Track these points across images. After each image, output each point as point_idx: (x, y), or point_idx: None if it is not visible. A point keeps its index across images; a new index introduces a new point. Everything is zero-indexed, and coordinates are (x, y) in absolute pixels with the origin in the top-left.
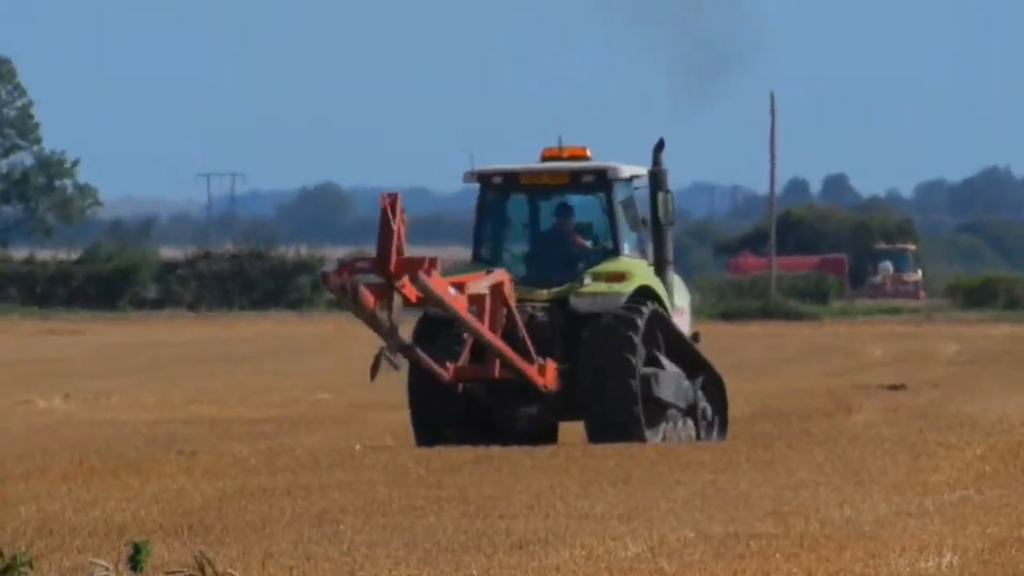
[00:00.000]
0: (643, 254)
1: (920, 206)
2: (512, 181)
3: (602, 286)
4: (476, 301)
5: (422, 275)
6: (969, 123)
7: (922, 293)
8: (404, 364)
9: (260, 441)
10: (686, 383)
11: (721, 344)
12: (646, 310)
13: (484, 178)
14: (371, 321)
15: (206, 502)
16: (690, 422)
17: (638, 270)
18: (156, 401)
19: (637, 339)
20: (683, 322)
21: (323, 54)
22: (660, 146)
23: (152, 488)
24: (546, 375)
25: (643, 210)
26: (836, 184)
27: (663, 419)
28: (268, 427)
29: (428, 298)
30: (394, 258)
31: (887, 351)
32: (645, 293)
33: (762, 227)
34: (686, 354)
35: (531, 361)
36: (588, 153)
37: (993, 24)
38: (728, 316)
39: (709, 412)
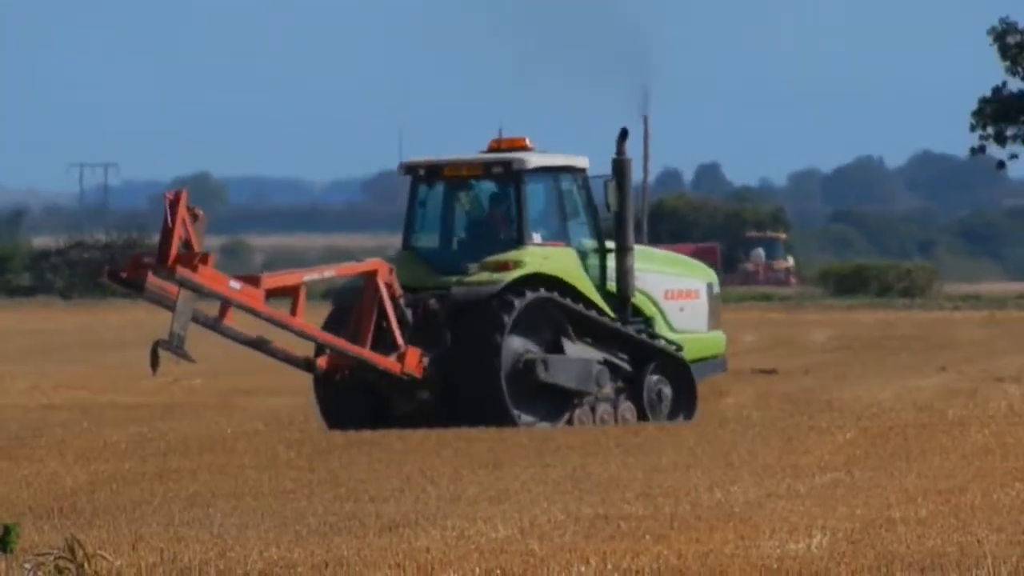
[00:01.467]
0: (590, 241)
1: (793, 195)
2: (436, 173)
3: (483, 275)
4: (289, 292)
5: (181, 271)
6: (842, 113)
7: (792, 280)
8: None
9: (131, 426)
10: (598, 367)
11: None
12: (524, 298)
13: (412, 170)
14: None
15: (77, 486)
16: (628, 404)
17: (534, 258)
18: (28, 387)
19: (504, 325)
20: (692, 306)
21: (195, 43)
22: (623, 135)
23: (23, 471)
24: (406, 362)
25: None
26: (709, 173)
27: (568, 404)
28: (140, 413)
29: (203, 293)
30: (173, 253)
31: (759, 337)
32: (542, 281)
33: (636, 216)
34: (618, 340)
35: (396, 349)
36: (528, 143)
37: (866, 13)
38: None
39: (666, 394)
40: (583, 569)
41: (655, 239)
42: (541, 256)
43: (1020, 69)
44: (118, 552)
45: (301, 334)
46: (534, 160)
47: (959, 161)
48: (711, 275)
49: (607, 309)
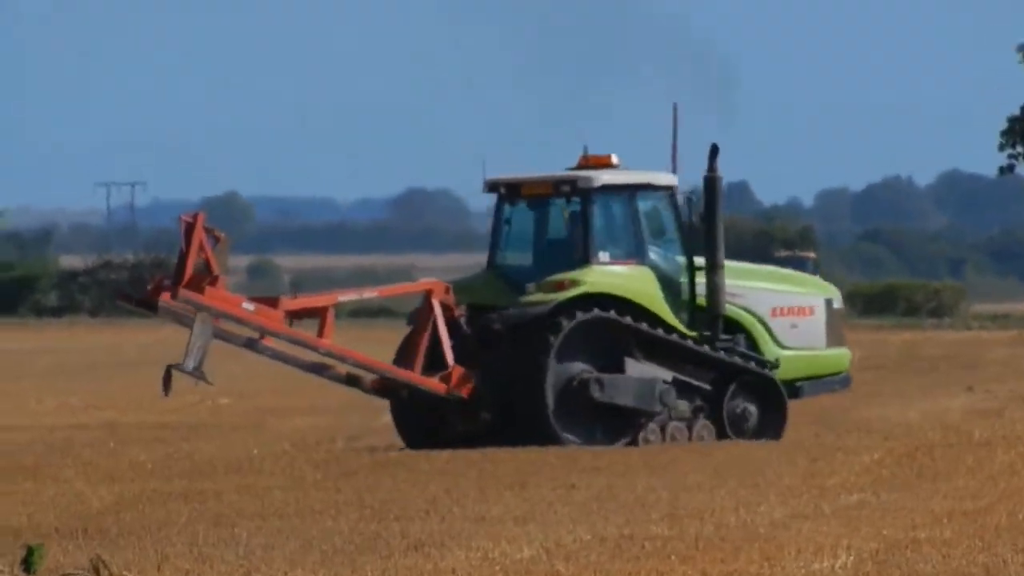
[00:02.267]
0: (676, 258)
1: (822, 214)
2: (515, 191)
3: (537, 295)
4: (318, 313)
5: (185, 293)
6: (870, 132)
7: None
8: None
9: (158, 446)
10: (663, 386)
11: None
12: (574, 319)
13: (494, 187)
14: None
15: (103, 506)
16: (705, 423)
17: (595, 277)
18: (55, 406)
19: (549, 346)
20: (807, 322)
21: (219, 63)
22: (714, 152)
23: (49, 492)
24: (452, 382)
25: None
26: (739, 192)
27: (631, 424)
28: (166, 432)
29: (213, 314)
30: (187, 275)
31: None
32: (603, 300)
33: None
34: (693, 358)
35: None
36: (613, 160)
37: (893, 32)
38: None
39: (751, 412)
40: None
41: None
42: (605, 275)
43: None
44: (143, 573)
45: (329, 355)
46: (603, 178)
47: (988, 180)
48: (831, 291)
49: (682, 328)
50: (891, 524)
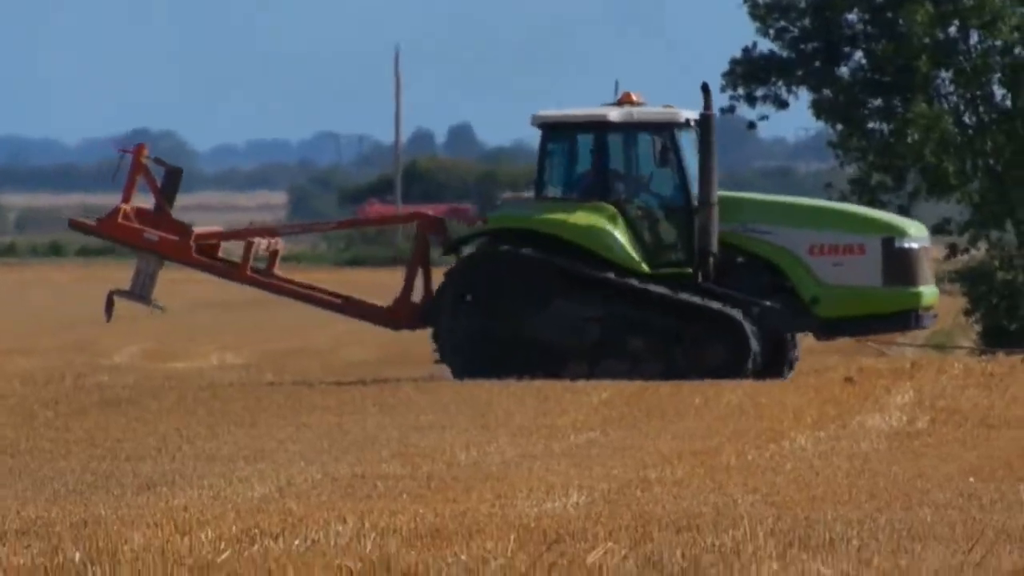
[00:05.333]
0: (647, 199)
1: None
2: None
3: (470, 229)
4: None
5: (75, 222)
6: (589, 67)
7: None
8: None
9: None
10: (585, 322)
11: (355, 290)
12: (476, 254)
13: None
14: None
15: None
16: (654, 362)
17: (527, 213)
18: None
19: (449, 279)
20: (854, 261)
21: None
22: (706, 90)
23: None
24: (396, 314)
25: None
26: (461, 134)
27: (549, 359)
28: None
29: (113, 242)
30: (121, 205)
31: None
32: (531, 236)
33: (388, 175)
34: (642, 296)
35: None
36: (635, 99)
37: None
38: (356, 263)
39: (712, 352)
40: (340, 529)
41: (408, 198)
42: (536, 212)
43: (770, 30)
44: None
45: (255, 284)
46: (554, 115)
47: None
48: (894, 229)
49: (638, 266)
50: (621, 464)
